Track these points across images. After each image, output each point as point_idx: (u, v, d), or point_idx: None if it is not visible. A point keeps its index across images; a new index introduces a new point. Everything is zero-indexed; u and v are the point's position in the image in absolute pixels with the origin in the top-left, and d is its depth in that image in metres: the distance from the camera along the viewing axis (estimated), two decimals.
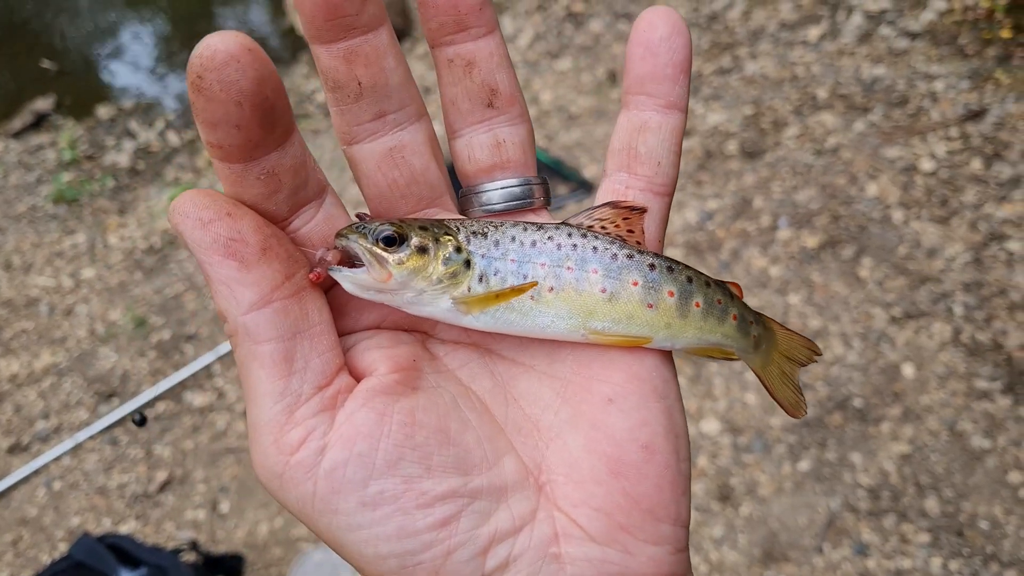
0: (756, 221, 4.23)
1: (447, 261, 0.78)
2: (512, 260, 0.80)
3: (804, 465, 3.33)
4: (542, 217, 0.86)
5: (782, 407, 0.91)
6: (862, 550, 3.10)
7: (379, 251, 0.75)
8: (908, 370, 3.51)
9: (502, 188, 0.83)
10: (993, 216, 3.92)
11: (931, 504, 3.15)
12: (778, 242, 4.11)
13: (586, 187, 4.64)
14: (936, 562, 3.02)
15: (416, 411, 0.73)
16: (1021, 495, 3.10)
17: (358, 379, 0.75)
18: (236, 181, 0.69)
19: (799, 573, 3.08)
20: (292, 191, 0.72)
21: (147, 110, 6.80)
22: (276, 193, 0.71)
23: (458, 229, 0.79)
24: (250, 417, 0.71)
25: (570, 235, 0.81)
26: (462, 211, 0.86)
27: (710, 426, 3.50)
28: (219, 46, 0.62)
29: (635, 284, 0.80)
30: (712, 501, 3.31)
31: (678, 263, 0.83)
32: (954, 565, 3.00)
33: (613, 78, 5.46)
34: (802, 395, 0.92)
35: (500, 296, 0.78)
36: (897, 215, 4.06)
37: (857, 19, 5.21)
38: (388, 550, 0.69)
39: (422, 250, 0.77)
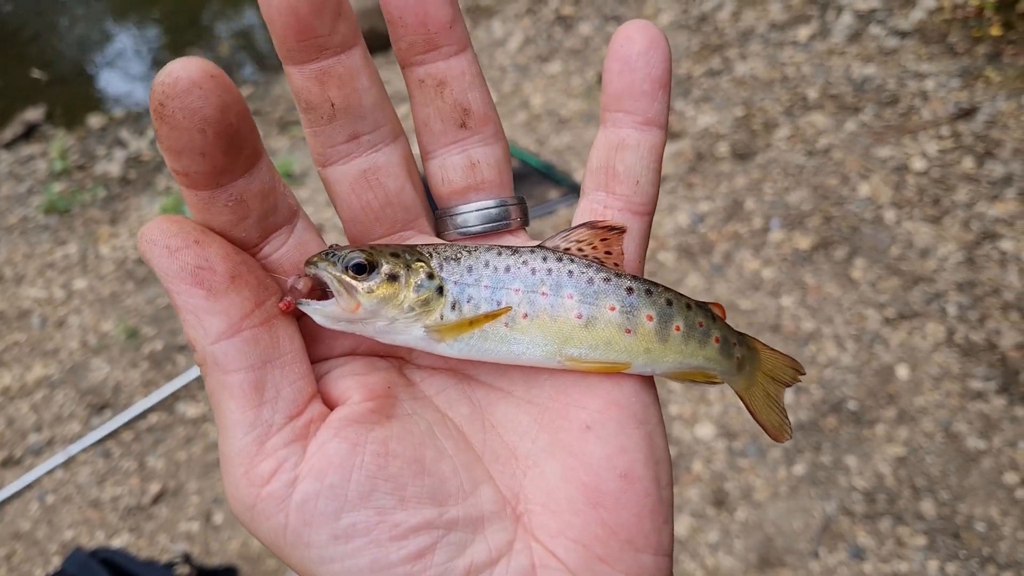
0: (748, 223, 4.22)
1: (418, 288, 0.76)
2: (486, 286, 0.78)
3: (799, 469, 3.32)
4: (520, 238, 0.85)
5: (765, 430, 0.89)
6: (858, 554, 3.08)
7: (348, 279, 0.74)
8: (902, 371, 3.50)
9: (478, 210, 0.82)
10: (985, 215, 3.92)
11: (927, 506, 3.14)
12: (770, 244, 4.10)
13: (577, 191, 4.63)
14: (933, 565, 3.01)
15: (390, 440, 0.71)
16: (1017, 496, 3.09)
17: (332, 407, 0.74)
18: (204, 208, 0.68)
19: None
20: (261, 217, 0.71)
21: (138, 119, 6.78)
22: (245, 219, 0.70)
23: (431, 255, 0.78)
24: (221, 447, 0.70)
25: (545, 259, 0.79)
26: (438, 233, 0.84)
27: (704, 431, 3.49)
28: (181, 73, 0.60)
29: (612, 309, 0.79)
30: (707, 506, 3.29)
31: (657, 285, 0.81)
32: (951, 568, 2.99)
33: None
34: (787, 418, 0.90)
35: (473, 323, 0.76)
36: (889, 215, 4.06)
37: (847, 18, 5.21)
38: None
39: (393, 278, 0.75)
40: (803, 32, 5.26)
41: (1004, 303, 3.60)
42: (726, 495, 3.31)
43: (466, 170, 0.80)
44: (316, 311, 0.74)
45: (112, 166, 6.15)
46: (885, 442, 3.33)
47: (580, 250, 0.80)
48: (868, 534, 3.12)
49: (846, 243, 4.00)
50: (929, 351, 3.54)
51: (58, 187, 5.99)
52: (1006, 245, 3.78)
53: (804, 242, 4.06)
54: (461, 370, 0.82)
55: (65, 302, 5.01)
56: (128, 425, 4.15)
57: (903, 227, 3.99)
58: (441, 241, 0.83)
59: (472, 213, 0.82)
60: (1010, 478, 3.14)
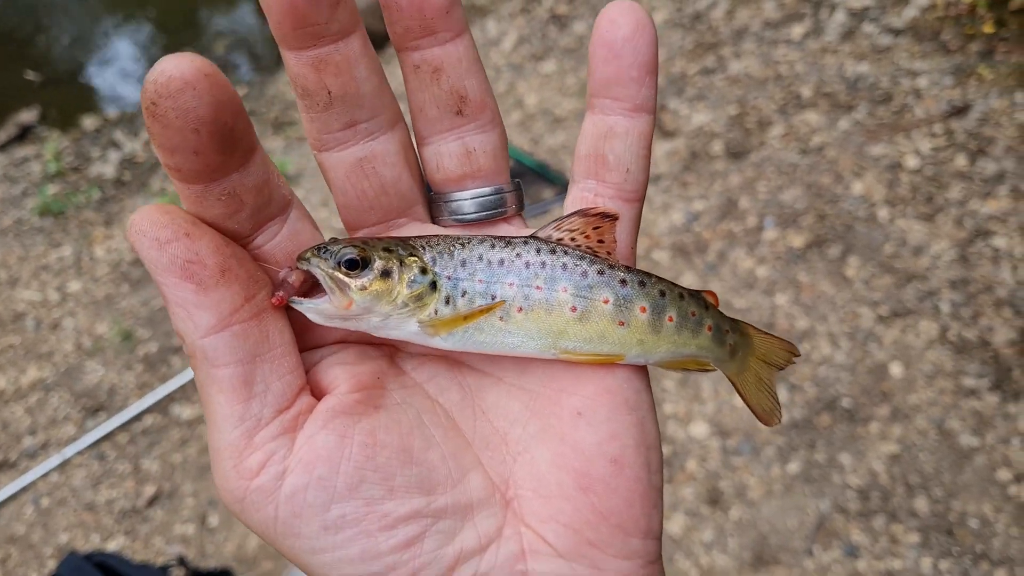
0: (742, 222, 4.23)
1: (412, 284, 0.76)
2: (480, 280, 0.78)
3: (793, 467, 3.33)
4: (515, 225, 0.84)
5: (755, 414, 0.90)
6: (852, 551, 3.09)
7: (341, 276, 0.74)
8: (896, 369, 3.50)
9: (473, 198, 0.81)
10: (978, 212, 3.93)
11: (920, 504, 3.15)
12: (764, 242, 4.10)
13: None
14: (926, 562, 3.02)
15: (377, 431, 0.72)
16: (1010, 493, 3.10)
17: (321, 397, 0.74)
18: (196, 201, 0.68)
19: None
20: (255, 210, 0.71)
21: (132, 120, 6.77)
22: (238, 212, 0.70)
23: (424, 248, 0.78)
24: (210, 441, 0.70)
25: (539, 251, 0.79)
26: (432, 217, 0.83)
27: (699, 429, 3.49)
28: (173, 72, 0.60)
29: (606, 302, 0.78)
30: (702, 505, 3.30)
31: (651, 276, 0.81)
32: (944, 565, 3.00)
33: None
34: (777, 402, 0.90)
35: (468, 318, 0.76)
36: (883, 213, 4.06)
37: (840, 16, 5.21)
38: (352, 573, 0.69)
39: (386, 274, 0.75)
40: (797, 30, 5.26)
41: (997, 300, 3.61)
42: (720, 494, 3.32)
43: (462, 158, 0.79)
44: (309, 309, 0.74)
45: (107, 168, 6.14)
46: (879, 440, 3.34)
47: (573, 239, 0.79)
48: (862, 532, 3.13)
49: (840, 241, 4.01)
50: (922, 349, 3.55)
51: (52, 189, 5.98)
52: (999, 242, 3.78)
53: (798, 240, 4.06)
54: (452, 356, 0.82)
55: (60, 304, 5.00)
56: (123, 427, 4.15)
57: (896, 225, 4.00)
58: (435, 230, 0.82)
59: (467, 201, 0.81)
60: (1003, 475, 3.15)
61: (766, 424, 0.90)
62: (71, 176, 6.16)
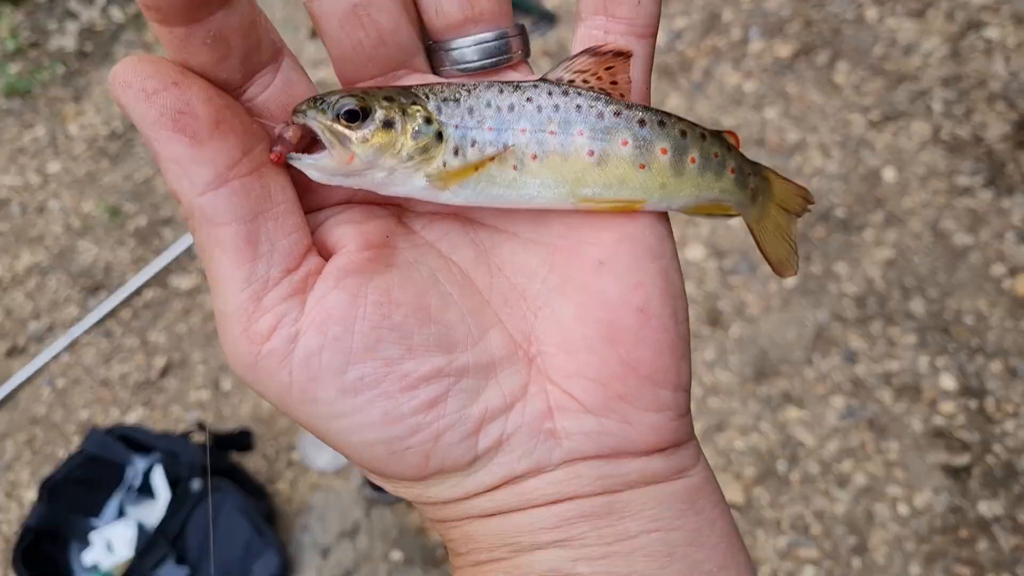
0: (726, 35, 4.10)
1: (416, 135, 0.70)
2: (489, 128, 0.73)
3: (789, 281, 3.36)
4: (522, 72, 0.78)
5: (769, 263, 0.86)
6: (851, 357, 3.17)
7: (340, 128, 0.68)
8: (889, 174, 3.48)
9: (475, 44, 0.74)
10: (970, 3, 3.80)
11: (916, 305, 3.20)
12: (750, 55, 3.99)
13: (549, 19, 4.46)
14: (923, 361, 3.10)
15: (392, 289, 0.68)
16: (1004, 287, 3.15)
17: (328, 258, 0.70)
18: (180, 47, 0.62)
19: (790, 386, 3.17)
20: (244, 55, 0.65)
21: None
22: (226, 58, 0.64)
23: (428, 97, 0.72)
24: (216, 306, 0.67)
25: (550, 94, 0.74)
26: (433, 68, 0.77)
27: (695, 252, 3.51)
28: None
29: (625, 144, 0.74)
30: (702, 326, 3.36)
31: (670, 115, 0.76)
32: (941, 362, 3.08)
33: None
34: (796, 251, 0.86)
35: (478, 167, 0.72)
36: (871, 13, 3.93)
37: None
38: (375, 437, 0.67)
39: (388, 124, 0.70)
40: None
41: (990, 94, 3.54)
42: (720, 313, 3.37)
43: (462, 1, 0.71)
44: (309, 166, 0.69)
45: (66, 40, 5.90)
46: (874, 246, 3.36)
47: (585, 81, 0.74)
48: (860, 337, 3.20)
49: (828, 47, 3.90)
50: (915, 151, 3.51)
51: (14, 68, 5.77)
52: (991, 33, 3.68)
53: (785, 50, 3.95)
54: (464, 214, 0.78)
55: (42, 187, 4.92)
56: (125, 303, 4.17)
57: (886, 24, 3.88)
58: (438, 79, 0.76)
59: (470, 48, 0.74)
60: (997, 270, 3.18)
61: (780, 275, 0.86)
62: (31, 52, 5.92)
